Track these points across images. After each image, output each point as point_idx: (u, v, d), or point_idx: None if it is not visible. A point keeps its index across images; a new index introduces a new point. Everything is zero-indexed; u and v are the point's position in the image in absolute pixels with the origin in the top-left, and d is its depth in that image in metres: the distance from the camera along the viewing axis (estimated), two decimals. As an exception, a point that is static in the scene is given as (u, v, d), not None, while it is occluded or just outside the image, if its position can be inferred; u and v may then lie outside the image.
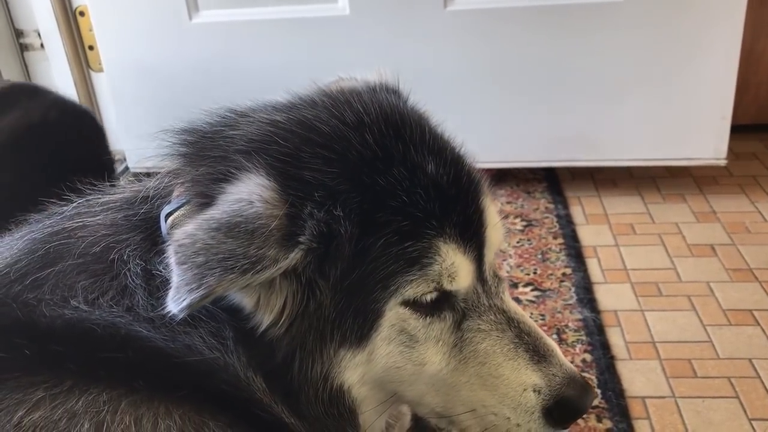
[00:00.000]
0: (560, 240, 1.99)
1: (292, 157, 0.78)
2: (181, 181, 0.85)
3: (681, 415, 1.39)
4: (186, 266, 0.70)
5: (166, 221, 0.83)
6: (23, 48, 2.39)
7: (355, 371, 0.83)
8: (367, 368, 0.83)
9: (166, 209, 0.84)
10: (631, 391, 1.45)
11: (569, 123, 2.12)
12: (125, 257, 0.81)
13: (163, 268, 0.79)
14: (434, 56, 2.07)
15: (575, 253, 1.92)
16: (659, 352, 1.55)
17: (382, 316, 0.80)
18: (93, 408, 0.70)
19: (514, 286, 1.79)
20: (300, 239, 0.73)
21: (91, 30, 2.31)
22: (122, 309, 0.78)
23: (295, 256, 0.73)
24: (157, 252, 0.82)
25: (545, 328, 1.63)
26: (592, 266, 1.87)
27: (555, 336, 1.60)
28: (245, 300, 0.79)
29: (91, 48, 2.37)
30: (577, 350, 1.56)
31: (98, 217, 0.87)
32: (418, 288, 0.80)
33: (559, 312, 1.68)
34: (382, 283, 0.79)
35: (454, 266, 0.81)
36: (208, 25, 2.14)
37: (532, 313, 1.68)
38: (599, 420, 1.37)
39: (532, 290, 1.77)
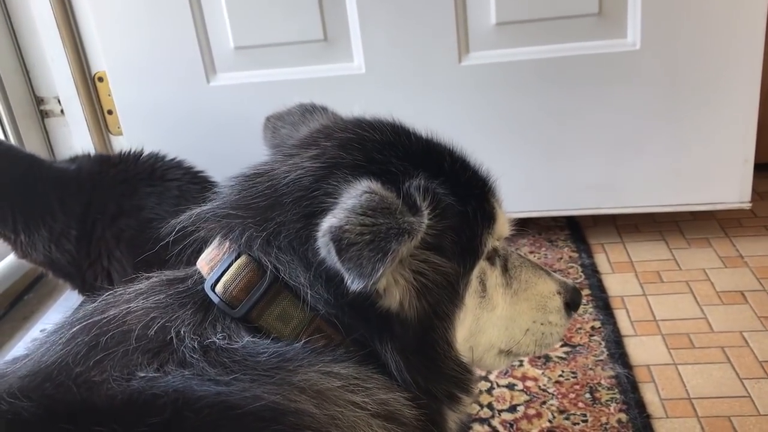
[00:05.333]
0: (587, 291, 1.96)
1: (368, 160, 0.87)
2: (226, 240, 0.87)
3: (724, 479, 1.35)
4: (357, 246, 0.73)
5: (213, 291, 0.85)
6: (44, 115, 2.43)
7: (461, 330, 0.92)
8: (463, 325, 0.93)
9: (209, 280, 0.86)
10: (671, 453, 1.41)
11: (590, 171, 2.11)
12: (181, 335, 0.81)
13: (220, 339, 0.81)
14: (450, 110, 2.08)
15: (603, 304, 1.89)
16: (696, 409, 1.51)
17: (473, 271, 0.91)
18: None
19: (543, 342, 1.76)
20: (421, 207, 0.81)
21: (109, 95, 2.34)
22: (187, 377, 0.76)
23: (425, 221, 0.80)
24: (210, 325, 0.83)
25: (578, 386, 1.60)
26: (621, 318, 1.84)
27: (588, 395, 1.57)
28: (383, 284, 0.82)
29: (110, 112, 2.40)
30: (612, 410, 1.52)
31: (148, 300, 0.87)
32: (492, 243, 0.94)
33: (591, 369, 1.65)
34: (477, 241, 0.90)
35: (506, 222, 0.97)
36: (226, 88, 2.16)
37: (563, 371, 1.65)
38: (640, 486, 1.34)
39: (562, 346, 1.74)
